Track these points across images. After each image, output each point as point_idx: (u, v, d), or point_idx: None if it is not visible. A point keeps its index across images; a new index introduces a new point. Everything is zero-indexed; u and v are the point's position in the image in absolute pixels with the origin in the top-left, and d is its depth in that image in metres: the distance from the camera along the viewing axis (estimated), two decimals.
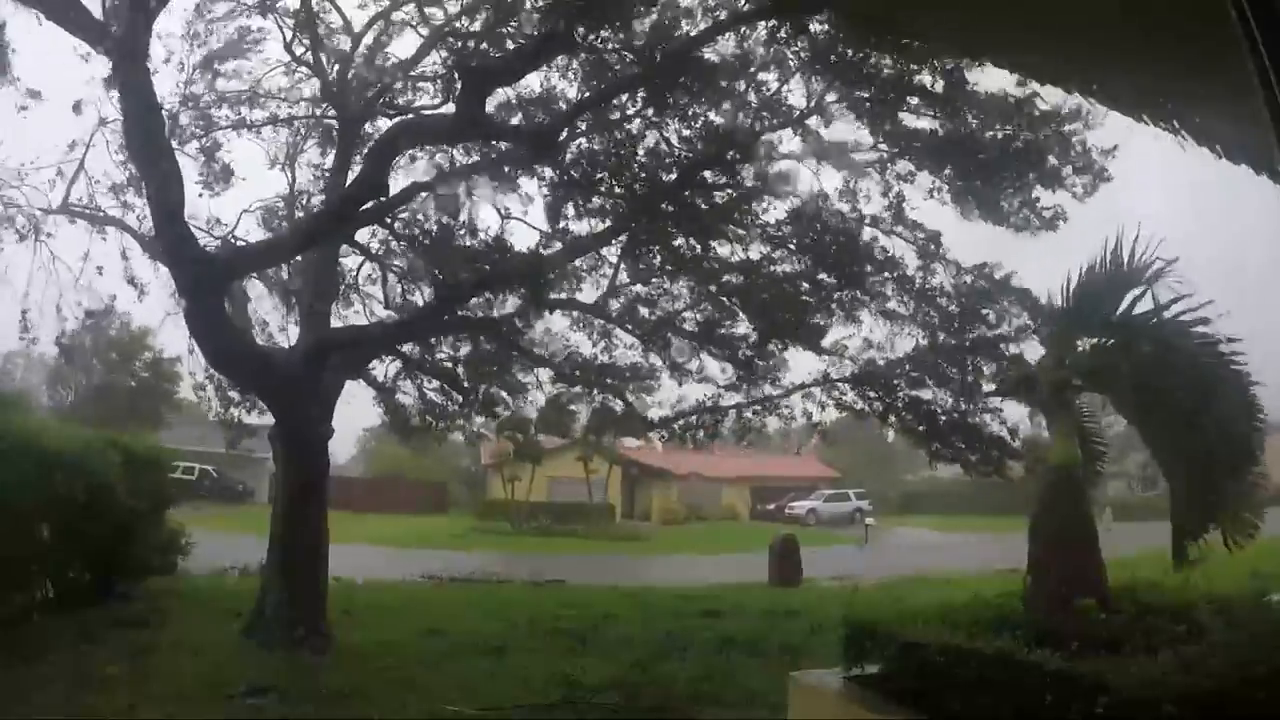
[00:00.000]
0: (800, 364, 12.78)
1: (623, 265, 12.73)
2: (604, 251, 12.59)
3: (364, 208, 10.78)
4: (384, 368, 13.89)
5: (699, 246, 11.97)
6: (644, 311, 13.03)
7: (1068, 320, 6.31)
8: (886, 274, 11.70)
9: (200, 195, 12.24)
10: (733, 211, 11.65)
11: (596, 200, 11.78)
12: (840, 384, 12.40)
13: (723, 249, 12.08)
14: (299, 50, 12.04)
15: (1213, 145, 3.92)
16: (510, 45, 10.26)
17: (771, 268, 12.21)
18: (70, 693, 7.17)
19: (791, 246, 11.87)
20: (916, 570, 16.60)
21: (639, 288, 12.98)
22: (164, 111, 10.37)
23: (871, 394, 12.38)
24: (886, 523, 29.63)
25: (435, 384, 14.28)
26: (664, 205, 11.41)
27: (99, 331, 19.21)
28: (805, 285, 12.09)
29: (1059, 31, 3.55)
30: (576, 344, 13.33)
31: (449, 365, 13.94)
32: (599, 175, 11.42)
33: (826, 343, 12.26)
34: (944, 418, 11.97)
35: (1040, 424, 8.18)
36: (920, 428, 12.18)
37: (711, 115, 10.84)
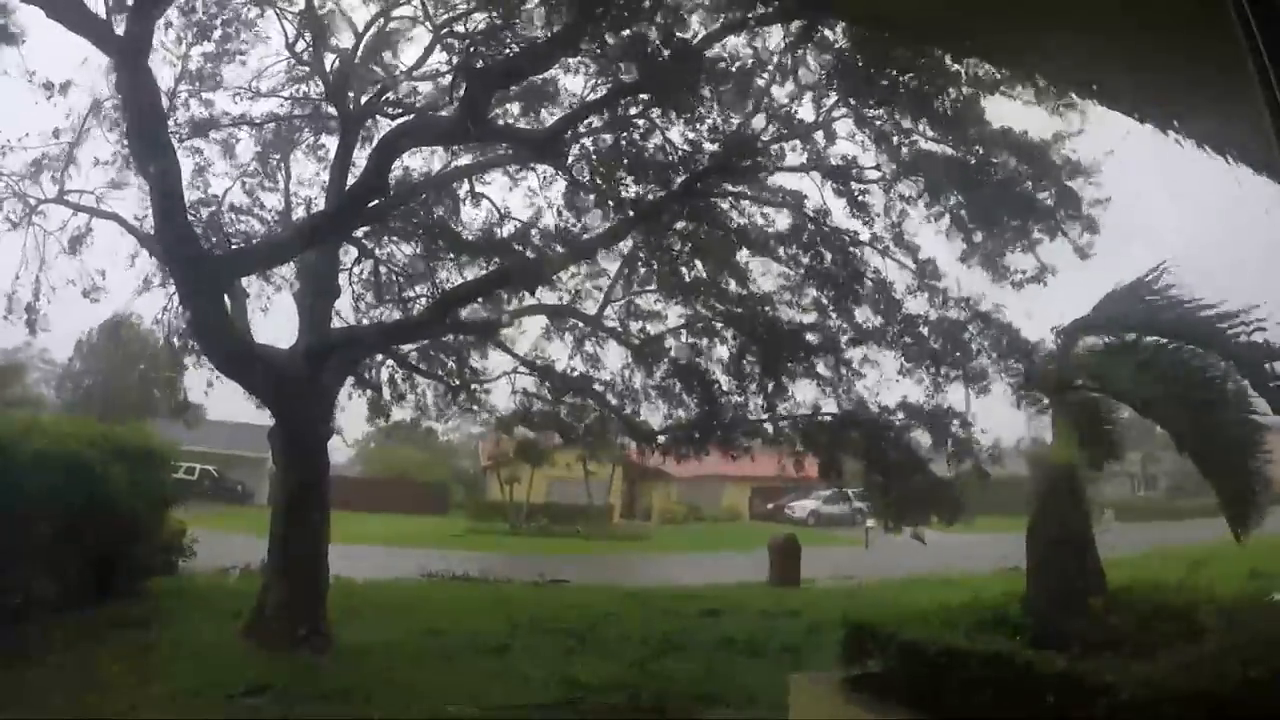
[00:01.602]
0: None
1: (620, 279, 12.79)
2: (603, 263, 12.69)
3: (365, 207, 10.78)
4: (379, 368, 13.94)
5: (697, 266, 12.05)
6: (635, 326, 13.10)
7: (1073, 323, 6.33)
8: (878, 297, 11.76)
9: (200, 192, 12.27)
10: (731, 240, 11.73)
11: (599, 203, 11.81)
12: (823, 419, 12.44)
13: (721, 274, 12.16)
14: (300, 48, 12.02)
15: (1212, 145, 3.92)
16: (515, 46, 10.23)
17: (768, 308, 12.24)
18: (70, 693, 7.17)
19: (791, 271, 11.89)
20: (916, 571, 16.57)
21: (636, 302, 13.06)
22: (164, 100, 10.43)
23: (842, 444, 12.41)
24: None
25: (429, 383, 14.32)
26: (665, 214, 11.45)
27: (108, 332, 19.13)
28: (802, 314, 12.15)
29: (1059, 31, 3.55)
30: (568, 358, 13.41)
31: (442, 366, 13.98)
32: (601, 179, 11.43)
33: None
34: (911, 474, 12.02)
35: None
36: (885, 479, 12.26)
37: (717, 121, 10.88)
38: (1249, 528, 5.73)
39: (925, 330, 11.74)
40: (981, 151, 10.48)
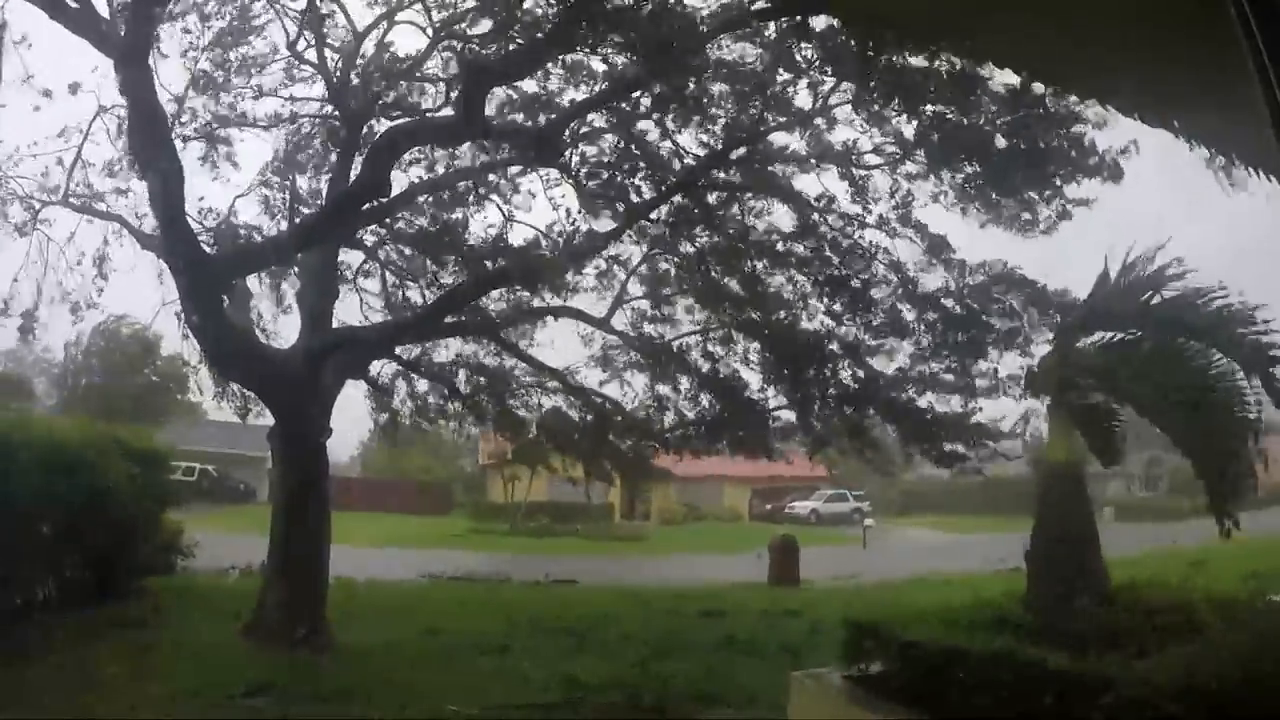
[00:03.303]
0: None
1: (632, 278, 12.85)
2: (612, 265, 12.69)
3: (365, 208, 10.78)
4: (380, 368, 13.94)
5: (706, 267, 12.07)
6: (650, 330, 13.12)
7: (1073, 321, 6.35)
8: (893, 278, 11.72)
9: (202, 198, 12.27)
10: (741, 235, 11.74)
11: (599, 201, 11.83)
12: (836, 400, 12.43)
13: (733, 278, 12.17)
14: (302, 48, 12.01)
15: (1212, 144, 3.92)
16: (513, 45, 10.22)
17: (783, 314, 12.24)
18: (70, 693, 7.17)
19: (801, 274, 11.88)
20: (916, 571, 16.57)
21: (647, 305, 13.09)
22: (171, 102, 10.47)
23: (870, 412, 12.40)
24: (886, 523, 29.58)
25: (431, 384, 14.33)
26: (670, 214, 11.45)
27: (105, 333, 19.16)
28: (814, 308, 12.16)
29: (1059, 31, 3.56)
30: (577, 361, 13.45)
31: (446, 367, 13.99)
32: (603, 177, 11.46)
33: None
34: (942, 422, 11.98)
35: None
36: (917, 437, 12.23)
37: (715, 115, 10.84)
38: (1234, 523, 5.74)
39: (949, 303, 11.64)
40: (985, 115, 10.33)
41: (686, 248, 12.28)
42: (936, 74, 9.56)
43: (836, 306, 11.86)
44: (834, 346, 12.09)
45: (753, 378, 12.83)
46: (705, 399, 12.97)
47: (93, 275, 12.40)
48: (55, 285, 12.46)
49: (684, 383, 13.04)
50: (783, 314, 12.23)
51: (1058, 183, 10.55)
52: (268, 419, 11.44)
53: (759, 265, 12.18)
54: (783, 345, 12.03)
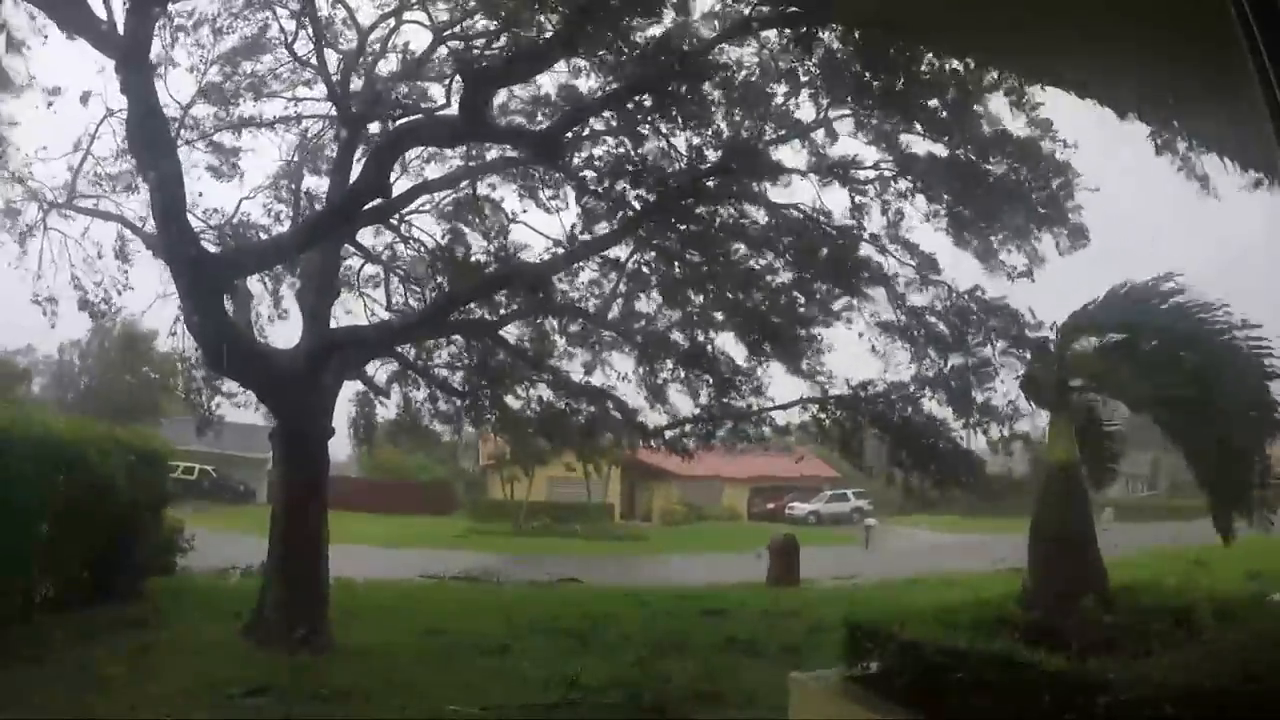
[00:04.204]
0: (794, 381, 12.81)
1: (623, 276, 12.82)
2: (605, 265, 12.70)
3: (366, 208, 10.79)
4: (380, 369, 13.96)
5: (699, 259, 12.07)
6: (639, 324, 13.11)
7: (1072, 322, 6.34)
8: (880, 286, 11.75)
9: (199, 197, 12.27)
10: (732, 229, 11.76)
11: (601, 205, 11.84)
12: (831, 403, 12.42)
13: (721, 260, 12.17)
14: (304, 48, 12.02)
15: (1211, 145, 3.93)
16: (515, 47, 10.22)
17: (769, 278, 12.25)
18: (70, 693, 7.17)
19: (789, 256, 11.91)
20: (916, 570, 16.57)
21: (638, 301, 13.10)
22: (177, 105, 10.49)
23: (861, 417, 12.41)
24: (886, 523, 29.57)
25: (430, 386, 14.33)
26: (669, 216, 11.46)
27: (105, 329, 19.31)
28: (798, 295, 12.16)
29: (1057, 31, 3.56)
30: (573, 358, 13.45)
31: (445, 369, 14.00)
32: (604, 181, 11.47)
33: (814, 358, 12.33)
34: (932, 443, 11.98)
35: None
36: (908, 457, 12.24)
37: (717, 123, 10.85)
38: (1233, 530, 5.72)
39: (934, 320, 11.71)
40: (976, 154, 10.45)
41: (673, 242, 12.30)
42: (932, 113, 9.72)
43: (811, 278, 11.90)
44: (817, 331, 12.14)
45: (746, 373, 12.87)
46: (695, 385, 12.99)
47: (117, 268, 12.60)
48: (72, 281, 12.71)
49: (675, 372, 13.05)
50: (764, 293, 12.26)
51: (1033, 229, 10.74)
52: (262, 419, 11.47)
53: (741, 249, 12.22)
54: (765, 324, 12.04)
